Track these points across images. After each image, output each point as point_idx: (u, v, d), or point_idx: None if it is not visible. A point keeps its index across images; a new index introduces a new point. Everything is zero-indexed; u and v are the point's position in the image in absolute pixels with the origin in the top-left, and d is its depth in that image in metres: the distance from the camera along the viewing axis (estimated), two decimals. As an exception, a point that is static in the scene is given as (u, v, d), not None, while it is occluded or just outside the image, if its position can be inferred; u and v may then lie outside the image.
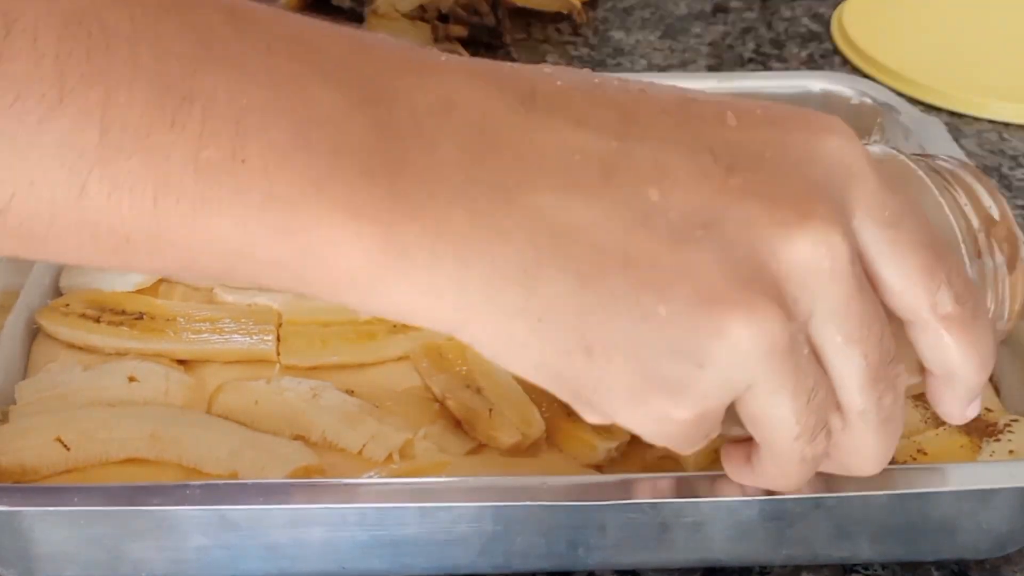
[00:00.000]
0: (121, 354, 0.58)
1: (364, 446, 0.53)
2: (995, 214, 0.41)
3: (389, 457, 0.53)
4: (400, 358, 0.59)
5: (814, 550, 0.49)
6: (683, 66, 0.93)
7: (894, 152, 0.42)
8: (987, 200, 0.41)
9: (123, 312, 0.60)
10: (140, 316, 0.60)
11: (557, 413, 0.55)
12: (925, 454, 0.54)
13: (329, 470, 0.52)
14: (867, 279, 0.37)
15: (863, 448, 0.39)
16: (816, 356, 0.37)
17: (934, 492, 0.47)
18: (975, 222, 0.40)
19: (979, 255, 0.40)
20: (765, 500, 0.47)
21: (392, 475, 0.52)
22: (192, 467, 0.52)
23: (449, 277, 0.34)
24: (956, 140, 0.75)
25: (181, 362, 0.58)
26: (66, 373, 0.56)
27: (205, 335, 0.59)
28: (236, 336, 0.59)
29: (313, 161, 0.33)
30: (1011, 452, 0.53)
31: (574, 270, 0.34)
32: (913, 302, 0.37)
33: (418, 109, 0.35)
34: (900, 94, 0.81)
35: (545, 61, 0.93)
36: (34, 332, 0.60)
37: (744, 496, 0.46)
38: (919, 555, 0.50)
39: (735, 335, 0.34)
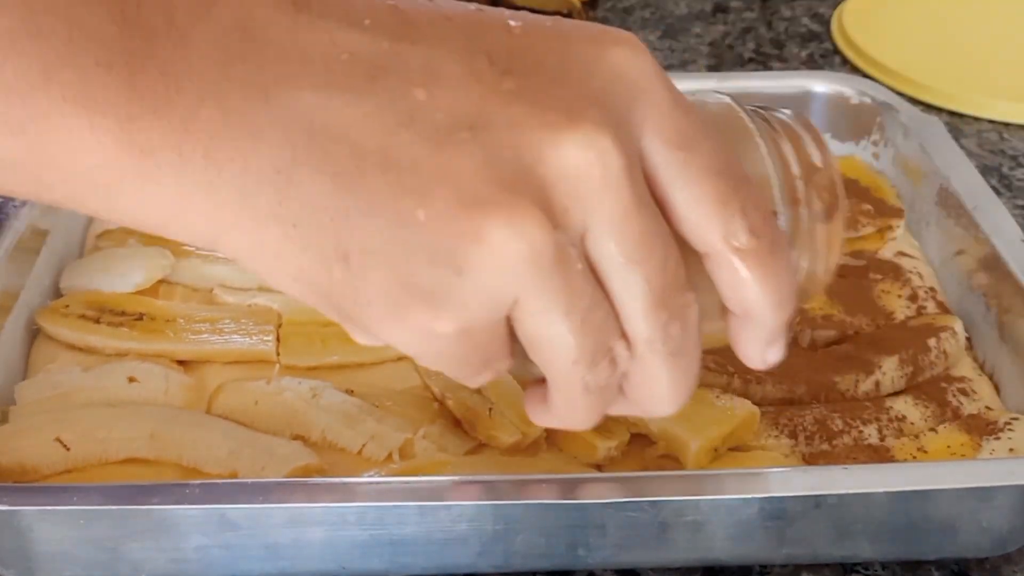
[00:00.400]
0: (121, 355, 0.58)
1: (364, 446, 0.53)
2: (818, 162, 0.40)
3: (389, 457, 0.53)
4: (400, 358, 0.59)
5: (814, 549, 0.49)
6: (683, 66, 0.93)
7: (724, 96, 0.41)
8: (812, 149, 0.41)
9: (123, 313, 0.60)
10: (140, 317, 0.60)
11: (557, 412, 0.55)
12: (925, 452, 0.54)
13: (329, 470, 0.52)
14: (655, 202, 0.35)
15: (654, 383, 0.37)
16: (596, 276, 0.35)
17: (934, 490, 0.47)
18: (795, 169, 0.40)
19: (796, 202, 0.39)
20: (765, 499, 0.47)
21: (392, 475, 0.52)
22: (192, 467, 0.52)
23: (198, 180, 0.32)
24: (956, 140, 0.75)
25: (181, 362, 0.58)
26: (66, 374, 0.56)
27: (205, 335, 0.59)
28: (236, 336, 0.59)
29: (43, 49, 0.31)
30: (1011, 450, 0.53)
31: (331, 172, 0.32)
32: (704, 230, 0.36)
33: (173, 3, 0.33)
34: (900, 94, 0.81)
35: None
36: (34, 333, 0.60)
37: (744, 496, 0.46)
38: (919, 554, 0.50)
39: (494, 239, 0.32)
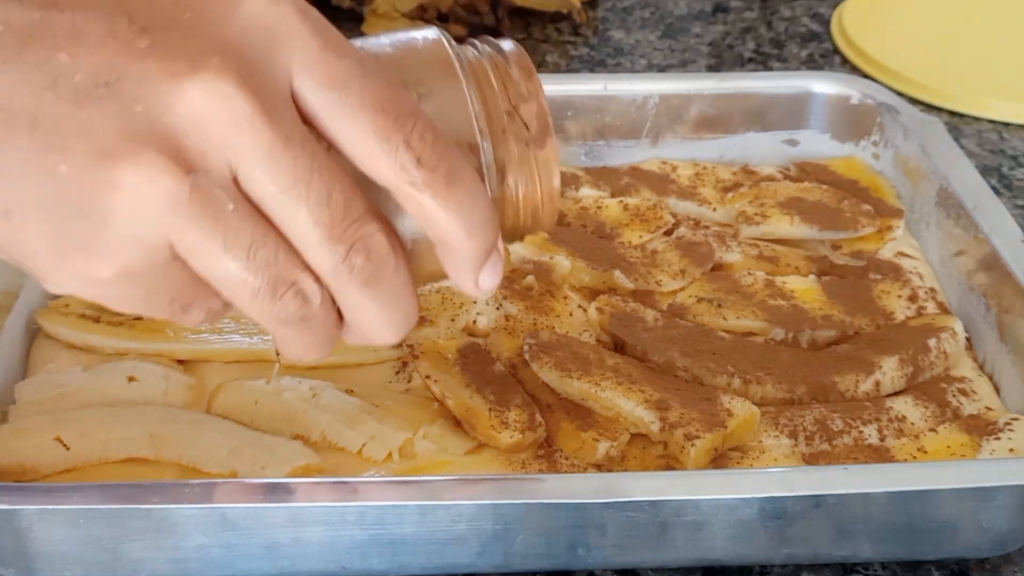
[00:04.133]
0: (121, 354, 0.58)
1: (364, 446, 0.53)
2: (525, 92, 0.42)
3: (389, 456, 0.53)
4: (400, 358, 0.59)
5: (814, 549, 0.49)
6: (683, 66, 0.93)
7: (431, 32, 0.42)
8: (520, 81, 0.42)
9: (123, 312, 0.60)
10: (139, 316, 0.59)
11: (557, 413, 0.55)
12: (925, 452, 0.54)
13: (329, 469, 0.52)
14: (327, 141, 0.37)
15: (360, 311, 0.39)
16: (260, 213, 0.36)
17: (934, 490, 0.47)
18: (503, 103, 0.41)
19: (504, 132, 0.41)
20: (766, 499, 0.47)
21: (392, 475, 0.52)
22: (192, 467, 0.52)
23: None
24: (956, 140, 0.75)
25: (181, 362, 0.58)
26: (66, 373, 0.56)
27: (205, 335, 0.59)
28: (236, 336, 0.59)
29: None
30: (1011, 450, 0.53)
31: None
32: (373, 165, 0.37)
33: None
34: (900, 94, 0.81)
35: (545, 61, 0.93)
36: (34, 332, 0.60)
37: (744, 496, 0.46)
38: (919, 554, 0.50)
39: (126, 187, 0.35)
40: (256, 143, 0.35)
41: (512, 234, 0.43)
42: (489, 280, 0.41)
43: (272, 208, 0.36)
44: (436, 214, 0.38)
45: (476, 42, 0.44)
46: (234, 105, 0.35)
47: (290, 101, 0.36)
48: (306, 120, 0.37)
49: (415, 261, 0.40)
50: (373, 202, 0.38)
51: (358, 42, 0.41)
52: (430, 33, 0.42)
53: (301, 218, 0.36)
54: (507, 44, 0.44)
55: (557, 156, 0.42)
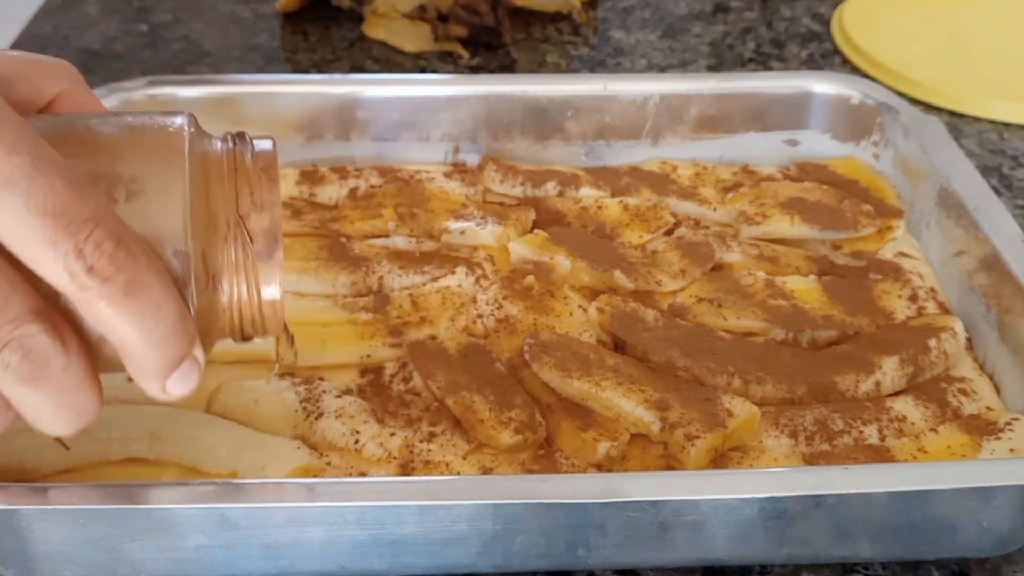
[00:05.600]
0: (121, 354, 0.58)
1: (364, 446, 0.53)
2: (260, 202, 0.42)
3: (389, 456, 0.53)
4: (400, 358, 0.59)
5: (814, 549, 0.49)
6: (683, 66, 0.93)
7: (181, 119, 0.42)
8: (258, 187, 0.42)
9: None
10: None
11: (557, 413, 0.55)
12: (925, 453, 0.54)
13: (329, 470, 0.52)
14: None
15: (23, 407, 0.39)
16: None
17: (934, 490, 0.47)
18: (231, 209, 0.41)
19: (225, 240, 0.41)
20: (766, 499, 0.47)
21: (391, 474, 0.52)
22: (192, 467, 0.52)
23: None
24: (956, 140, 0.75)
25: (181, 362, 0.58)
26: (66, 373, 0.56)
27: (205, 335, 0.59)
28: (236, 336, 0.59)
29: None
30: (1011, 450, 0.53)
31: None
32: (40, 268, 0.37)
33: None
34: (900, 94, 0.81)
35: (545, 61, 0.93)
36: (34, 332, 0.60)
37: (744, 496, 0.46)
38: (919, 554, 0.50)
39: None
40: None
41: (236, 335, 0.43)
42: (178, 387, 0.40)
43: None
44: (111, 322, 0.38)
45: (232, 137, 0.43)
46: None
47: None
48: None
49: (107, 354, 0.39)
50: (54, 297, 0.38)
51: (94, 118, 0.41)
52: (176, 121, 0.41)
53: None
54: (265, 144, 0.43)
55: (281, 267, 0.42)
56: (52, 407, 0.39)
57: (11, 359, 0.37)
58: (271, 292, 0.42)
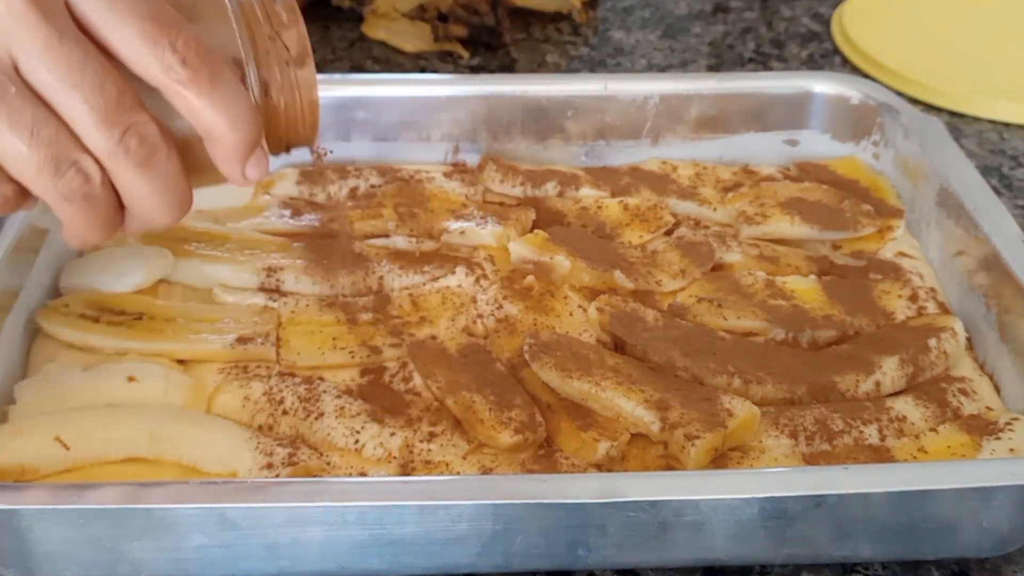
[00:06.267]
0: (120, 354, 0.58)
1: (364, 446, 0.53)
2: (286, 21, 0.47)
3: (389, 456, 0.53)
4: (400, 358, 0.59)
5: (814, 549, 0.49)
6: (683, 66, 0.93)
7: None
8: (281, 10, 0.48)
9: (123, 312, 0.60)
10: (139, 316, 0.59)
11: (557, 413, 0.55)
12: (925, 452, 0.54)
13: (329, 470, 0.52)
14: (90, 39, 0.42)
15: (136, 192, 0.44)
16: (40, 99, 0.42)
17: (934, 490, 0.47)
18: (266, 29, 0.47)
19: (266, 51, 0.47)
20: (766, 499, 0.47)
21: (392, 474, 0.52)
22: (192, 467, 0.52)
23: None
24: (956, 140, 0.75)
25: (181, 362, 0.58)
26: (65, 373, 0.56)
27: (205, 335, 0.59)
28: (236, 336, 0.59)
29: None
30: (1011, 450, 0.53)
31: None
32: (142, 66, 0.42)
33: None
34: (900, 94, 0.81)
35: (545, 61, 0.93)
36: (34, 332, 0.60)
37: (744, 496, 0.46)
38: (919, 554, 0.50)
39: None
40: (30, 36, 0.40)
41: (277, 145, 0.49)
42: (255, 171, 0.46)
43: (51, 96, 0.41)
44: (201, 109, 0.43)
45: None
46: (12, 3, 0.40)
47: (64, 8, 0.41)
48: (82, 29, 0.42)
49: (187, 156, 0.45)
50: (146, 103, 0.43)
51: None
52: None
53: (77, 104, 0.41)
54: None
55: (315, 75, 0.48)
56: (160, 195, 0.44)
57: (131, 143, 0.43)
58: (310, 94, 0.48)
